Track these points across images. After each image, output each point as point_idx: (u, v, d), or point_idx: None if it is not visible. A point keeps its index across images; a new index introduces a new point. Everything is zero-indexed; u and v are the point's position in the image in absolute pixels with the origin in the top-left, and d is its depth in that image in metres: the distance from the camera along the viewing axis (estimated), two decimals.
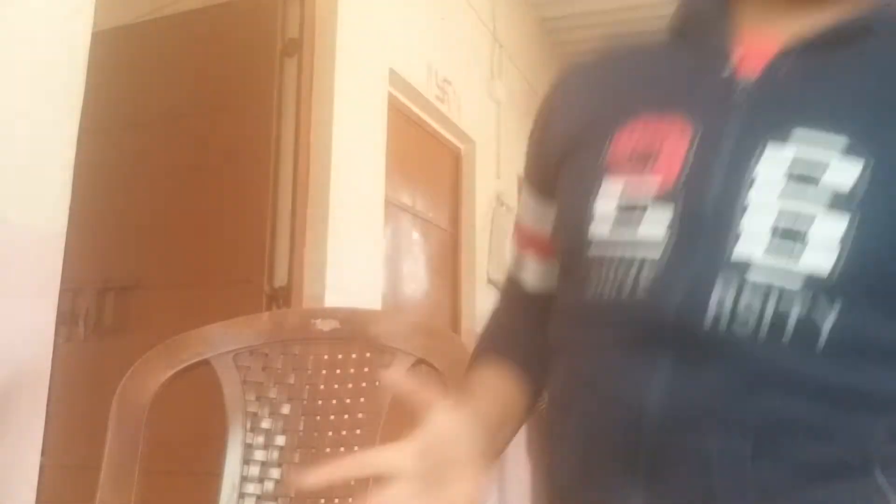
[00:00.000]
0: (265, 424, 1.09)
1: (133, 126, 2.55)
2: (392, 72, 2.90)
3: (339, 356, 1.11)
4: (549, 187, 0.70)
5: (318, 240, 2.36)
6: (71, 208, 1.50)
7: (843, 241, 0.51)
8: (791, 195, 0.53)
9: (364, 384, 1.09)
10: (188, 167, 2.44)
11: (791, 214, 0.52)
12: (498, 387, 0.69)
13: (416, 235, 3.24)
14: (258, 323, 1.17)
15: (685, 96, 0.61)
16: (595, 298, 0.59)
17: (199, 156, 2.44)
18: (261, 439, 1.09)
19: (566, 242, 0.65)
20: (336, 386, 1.10)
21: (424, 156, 3.39)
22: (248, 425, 1.09)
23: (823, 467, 0.52)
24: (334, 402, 1.09)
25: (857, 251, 0.51)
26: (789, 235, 0.52)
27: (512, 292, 0.78)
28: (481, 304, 3.65)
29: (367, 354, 1.10)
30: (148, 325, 2.33)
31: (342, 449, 1.06)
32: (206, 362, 1.12)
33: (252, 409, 1.10)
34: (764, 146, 0.55)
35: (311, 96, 2.43)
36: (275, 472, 1.07)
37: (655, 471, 0.55)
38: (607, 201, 0.60)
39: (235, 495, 1.06)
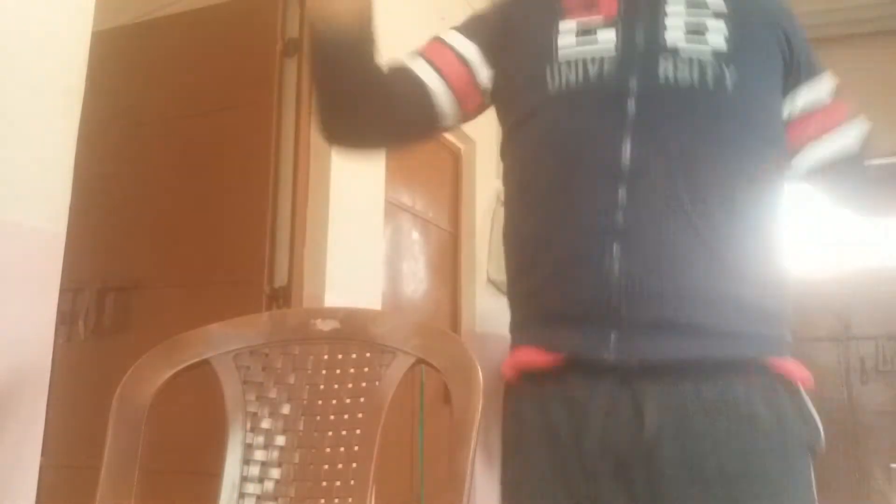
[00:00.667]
0: (265, 424, 1.09)
1: (133, 126, 2.55)
2: None
3: (339, 356, 1.11)
4: (489, 45, 0.97)
5: (318, 240, 2.36)
6: (71, 208, 1.50)
7: (727, 32, 0.85)
8: (691, 13, 0.87)
9: (364, 384, 1.09)
10: (188, 167, 2.44)
11: (694, 21, 0.86)
12: None
13: (416, 235, 3.24)
14: (258, 323, 1.17)
15: None
16: (563, 87, 0.86)
17: (199, 156, 2.44)
18: (261, 439, 1.09)
19: (524, 68, 0.91)
20: (336, 386, 1.10)
21: (424, 156, 3.39)
22: (248, 425, 1.09)
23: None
24: (334, 402, 1.09)
25: (734, 37, 0.85)
26: (697, 30, 0.85)
27: (400, 68, 0.98)
28: (481, 304, 3.65)
29: (367, 354, 1.10)
30: (148, 325, 2.33)
31: (342, 449, 1.06)
32: (206, 362, 1.12)
33: (252, 409, 1.10)
34: None
35: (310, 96, 2.43)
36: (275, 472, 1.07)
37: (633, 183, 0.81)
38: (568, 27, 0.88)
39: (235, 495, 1.06)
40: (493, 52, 0.97)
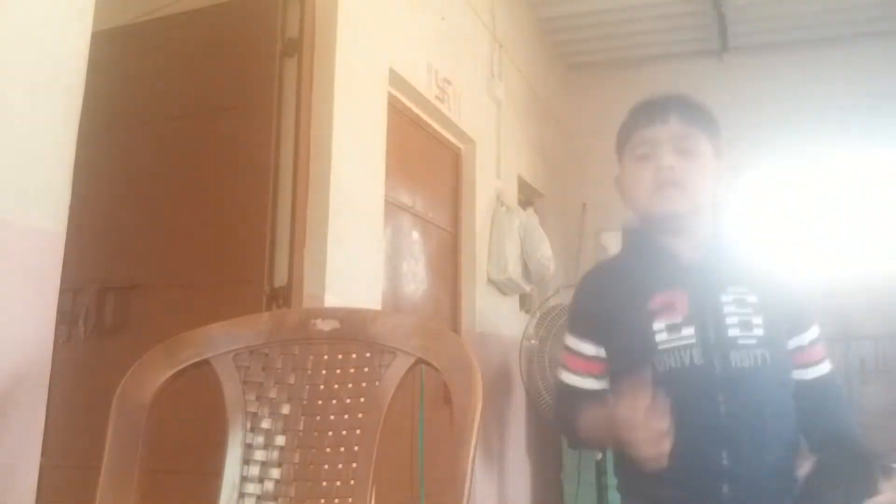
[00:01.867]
0: (265, 424, 1.09)
1: (133, 126, 2.54)
2: (392, 72, 2.90)
3: (339, 356, 1.11)
4: (600, 334, 1.35)
5: (318, 240, 2.36)
6: (71, 208, 1.50)
7: (764, 322, 1.26)
8: (738, 310, 1.27)
9: (364, 384, 1.09)
10: (188, 167, 2.44)
11: (743, 315, 1.26)
12: None
13: (416, 235, 3.24)
14: (258, 323, 1.17)
15: (671, 277, 1.31)
16: (670, 368, 1.24)
17: (199, 156, 2.44)
18: (261, 439, 1.09)
19: (633, 353, 1.29)
20: (336, 386, 1.10)
21: (424, 156, 3.39)
22: (248, 425, 1.09)
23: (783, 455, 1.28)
24: (334, 402, 1.09)
25: (769, 325, 1.26)
26: (745, 326, 1.26)
27: (577, 395, 1.36)
28: (481, 304, 3.65)
29: (367, 354, 1.10)
30: (148, 325, 2.33)
31: (342, 449, 1.06)
32: (206, 362, 1.12)
33: (252, 409, 1.10)
34: (720, 293, 1.28)
35: (311, 96, 2.43)
36: (275, 472, 1.07)
37: (729, 441, 1.22)
38: (660, 326, 1.26)
39: (235, 495, 1.06)
40: (601, 340, 1.36)
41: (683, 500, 1.24)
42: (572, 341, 1.38)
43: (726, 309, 1.26)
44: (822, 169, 4.90)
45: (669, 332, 1.25)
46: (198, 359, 1.12)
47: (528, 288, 4.03)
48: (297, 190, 2.33)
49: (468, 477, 0.93)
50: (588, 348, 1.35)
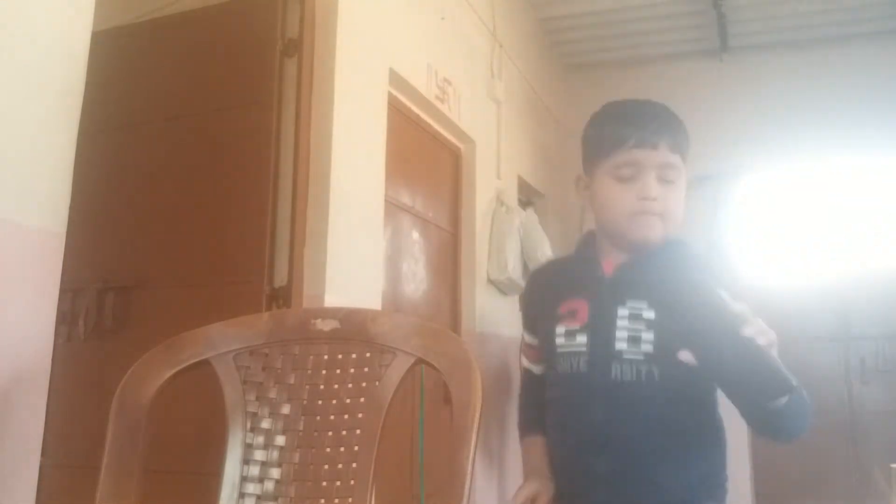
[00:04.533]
0: (265, 424, 1.09)
1: (133, 126, 2.55)
2: (392, 72, 2.90)
3: (339, 356, 1.11)
4: (533, 328, 1.46)
5: (318, 240, 2.36)
6: (71, 208, 1.50)
7: (654, 339, 1.25)
8: (630, 325, 1.27)
9: (364, 384, 1.09)
10: (188, 167, 2.44)
11: (634, 331, 1.27)
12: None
13: (416, 235, 3.24)
14: (258, 323, 1.17)
15: (584, 285, 1.36)
16: (564, 371, 1.33)
17: (199, 156, 2.44)
18: (261, 439, 1.09)
19: (547, 352, 1.39)
20: (336, 386, 1.10)
21: (424, 156, 3.39)
22: (248, 425, 1.09)
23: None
24: (334, 402, 1.09)
25: (659, 343, 1.25)
26: (634, 341, 1.27)
27: (530, 376, 1.50)
28: (481, 304, 3.65)
29: (367, 354, 1.10)
30: (148, 325, 2.33)
31: (342, 449, 1.06)
32: (206, 362, 1.12)
33: (252, 409, 1.10)
34: (618, 306, 1.29)
35: (311, 96, 2.43)
36: (275, 472, 1.07)
37: (605, 448, 1.27)
38: (560, 331, 1.34)
39: (235, 495, 1.06)
40: (534, 332, 1.47)
41: (570, 496, 1.34)
42: (525, 335, 1.51)
43: (619, 322, 1.28)
44: (822, 169, 4.90)
45: (567, 338, 1.32)
46: (198, 359, 1.12)
47: None
48: (297, 190, 2.33)
49: (468, 477, 0.93)
50: (528, 337, 1.47)
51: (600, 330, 1.29)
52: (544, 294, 1.42)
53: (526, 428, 1.50)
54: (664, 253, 1.31)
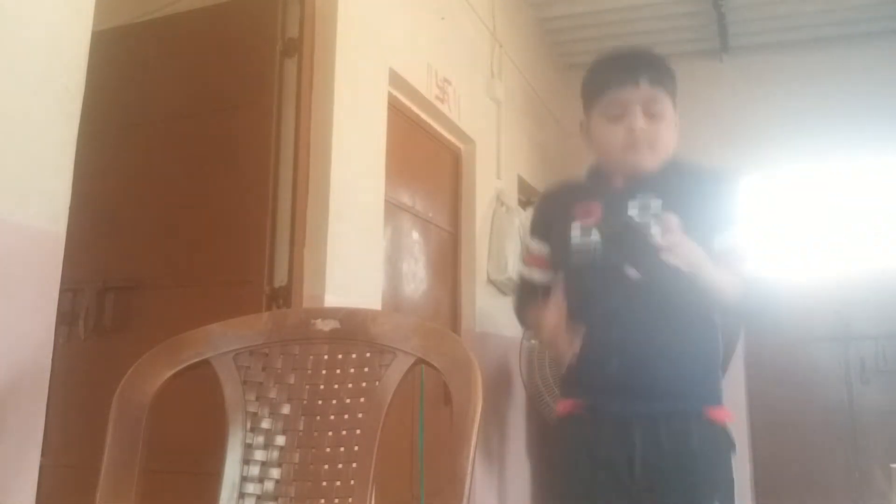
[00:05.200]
0: (265, 424, 1.09)
1: (133, 126, 2.55)
2: (392, 72, 2.90)
3: (339, 356, 1.11)
4: (546, 235, 1.54)
5: (318, 240, 2.36)
6: (71, 208, 1.50)
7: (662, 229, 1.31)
8: (640, 215, 1.38)
9: (364, 384, 1.09)
10: (188, 167, 2.44)
11: (643, 221, 1.37)
12: None
13: (416, 235, 3.24)
14: (258, 323, 1.17)
15: (598, 192, 1.46)
16: (580, 265, 1.42)
17: (199, 156, 2.44)
18: (261, 439, 1.09)
19: (560, 253, 1.48)
20: (336, 386, 1.10)
21: (424, 156, 3.39)
22: (248, 425, 1.09)
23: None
24: (334, 402, 1.09)
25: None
26: (645, 225, 1.34)
27: (527, 285, 1.61)
28: (481, 304, 3.65)
29: (367, 354, 1.10)
30: (148, 325, 2.33)
31: (342, 449, 1.06)
32: (206, 362, 1.12)
33: (252, 409, 1.10)
34: (628, 200, 1.41)
35: (311, 96, 2.43)
36: (275, 472, 1.07)
37: (621, 329, 1.40)
38: (576, 228, 1.44)
39: (235, 495, 1.06)
40: (544, 239, 1.56)
41: (585, 371, 1.43)
42: (528, 240, 1.62)
43: (630, 213, 1.40)
44: (823, 169, 4.90)
45: (582, 234, 1.43)
46: (198, 359, 1.12)
47: None
48: (297, 190, 2.33)
49: (468, 477, 0.93)
50: (535, 246, 1.57)
51: (617, 222, 1.39)
52: (560, 199, 1.53)
53: (527, 312, 1.58)
54: (668, 164, 1.45)
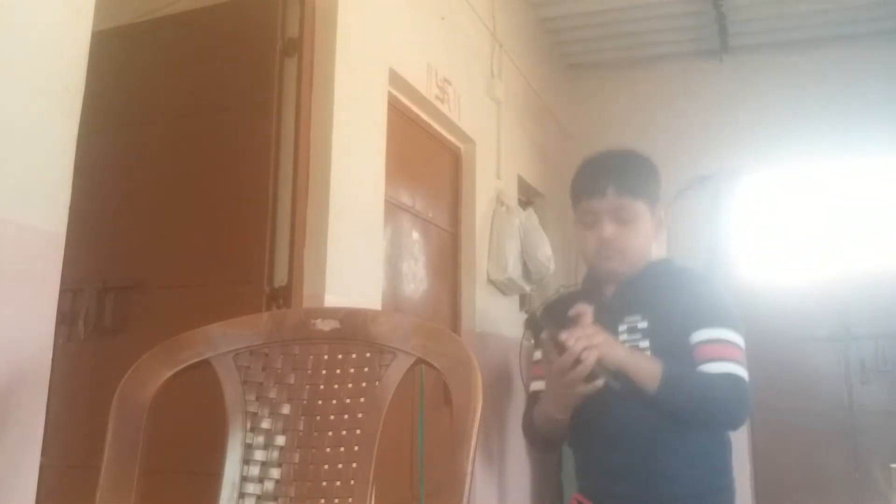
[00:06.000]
0: (265, 424, 1.09)
1: (133, 126, 2.54)
2: (392, 72, 2.90)
3: (339, 356, 1.11)
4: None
5: (318, 240, 2.36)
6: (71, 208, 1.50)
7: (650, 346, 1.45)
8: (629, 336, 1.48)
9: (364, 384, 1.09)
10: (188, 167, 2.44)
11: (633, 341, 1.47)
12: None
13: (416, 235, 3.24)
14: (258, 323, 1.17)
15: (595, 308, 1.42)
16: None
17: (199, 156, 2.44)
18: (261, 439, 1.09)
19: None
20: (336, 386, 1.09)
21: (424, 156, 3.39)
22: (248, 425, 1.09)
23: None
24: (334, 402, 1.09)
25: (654, 348, 1.44)
26: (634, 347, 1.45)
27: (535, 398, 1.59)
28: (481, 304, 3.65)
29: (367, 354, 1.10)
30: (148, 325, 2.33)
31: (342, 449, 1.06)
32: (206, 362, 1.12)
33: (252, 409, 1.10)
34: (618, 323, 1.49)
35: (311, 96, 2.43)
36: (275, 472, 1.07)
37: (620, 447, 1.46)
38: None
39: (235, 495, 1.06)
40: None
41: (594, 491, 1.52)
42: (536, 354, 1.62)
43: (620, 337, 1.47)
44: (822, 169, 4.90)
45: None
46: (198, 359, 1.12)
47: (528, 288, 4.03)
48: (297, 190, 2.33)
49: (468, 477, 0.93)
50: (539, 356, 1.57)
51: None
52: (558, 319, 1.54)
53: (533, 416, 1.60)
54: (649, 272, 1.54)
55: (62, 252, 1.47)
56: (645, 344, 1.45)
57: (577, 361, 1.27)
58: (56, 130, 1.48)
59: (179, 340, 1.13)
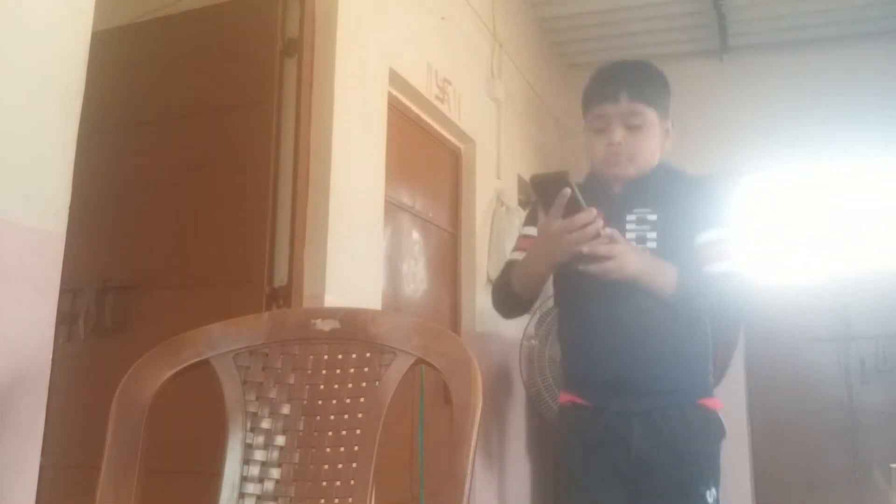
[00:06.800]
0: (265, 424, 1.09)
1: (133, 126, 2.55)
2: (392, 72, 2.90)
3: (339, 356, 1.11)
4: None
5: (318, 240, 2.36)
6: (71, 208, 1.50)
7: (657, 237, 1.49)
8: (637, 227, 1.50)
9: (364, 384, 1.09)
10: (188, 167, 2.44)
11: (640, 231, 1.50)
12: None
13: (416, 235, 3.24)
14: (258, 323, 1.17)
15: (598, 200, 1.42)
16: (582, 270, 1.43)
17: (199, 156, 2.44)
18: (261, 439, 1.09)
19: None
20: (336, 386, 1.09)
21: (424, 156, 3.39)
22: (248, 425, 1.09)
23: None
24: (334, 402, 1.09)
25: (662, 240, 1.49)
26: (640, 241, 1.49)
27: (513, 265, 1.61)
28: (481, 304, 3.65)
29: (367, 354, 1.10)
30: (148, 325, 2.33)
31: (342, 449, 1.06)
32: (206, 362, 1.12)
33: (252, 409, 1.10)
34: (626, 212, 1.52)
35: (311, 96, 2.43)
36: (275, 472, 1.07)
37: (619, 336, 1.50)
38: None
39: (235, 495, 1.06)
40: None
41: (584, 372, 1.56)
42: (525, 229, 1.66)
43: (628, 226, 1.50)
44: (822, 169, 4.90)
45: None
46: (198, 359, 1.12)
47: None
48: (297, 190, 2.33)
49: (468, 477, 0.93)
50: (530, 231, 1.62)
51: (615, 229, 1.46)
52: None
53: (512, 278, 1.61)
54: (659, 172, 1.56)
55: (62, 252, 1.47)
56: (652, 235, 1.49)
57: (590, 223, 1.33)
58: (56, 130, 1.48)
59: (179, 340, 1.13)
